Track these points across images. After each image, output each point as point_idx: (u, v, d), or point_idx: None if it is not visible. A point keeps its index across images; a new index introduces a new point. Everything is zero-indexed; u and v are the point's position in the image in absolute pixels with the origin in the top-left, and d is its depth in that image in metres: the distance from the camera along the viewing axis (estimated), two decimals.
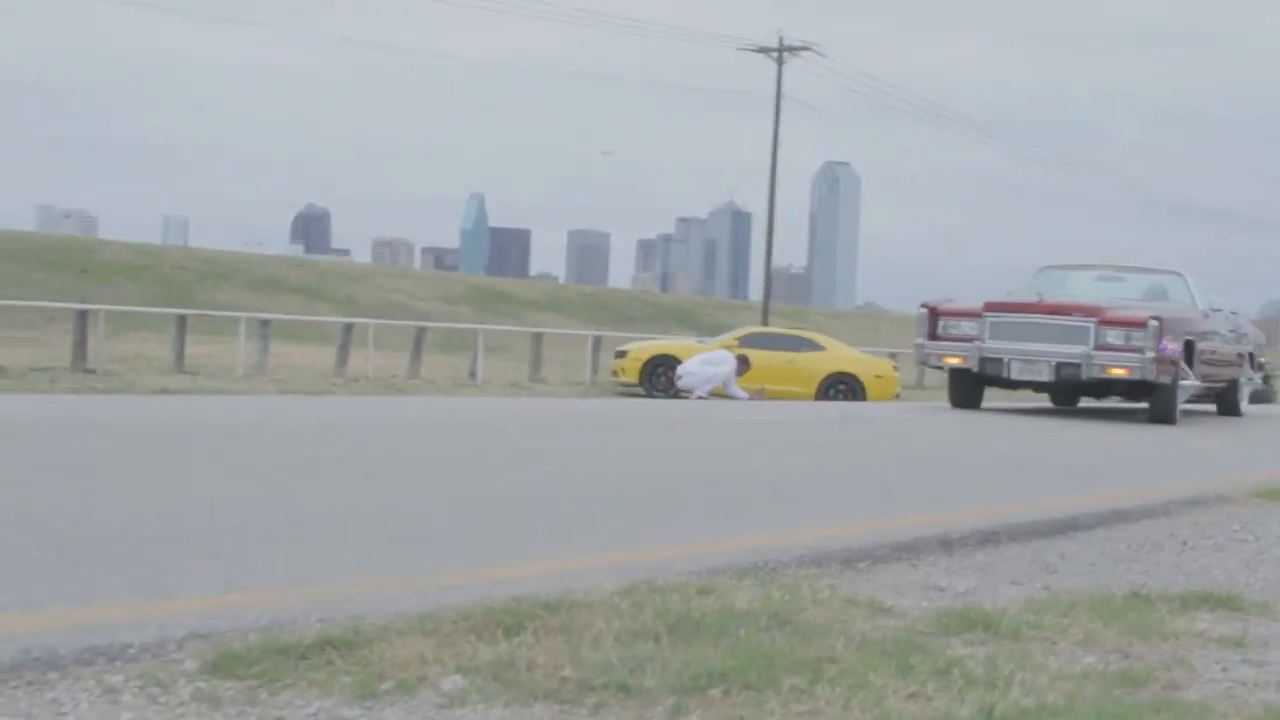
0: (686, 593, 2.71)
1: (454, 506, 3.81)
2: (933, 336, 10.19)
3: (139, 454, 5.03)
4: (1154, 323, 9.25)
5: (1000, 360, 9.73)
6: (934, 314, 10.11)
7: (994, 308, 9.86)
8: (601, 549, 3.22)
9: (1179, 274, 10.85)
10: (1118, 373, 9.41)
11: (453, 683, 2.12)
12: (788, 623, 2.60)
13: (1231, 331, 11.06)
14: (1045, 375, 9.62)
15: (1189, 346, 9.55)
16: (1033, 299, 9.86)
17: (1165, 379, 9.24)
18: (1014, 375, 9.66)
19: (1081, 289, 10.77)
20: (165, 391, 10.78)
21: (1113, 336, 9.52)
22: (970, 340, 9.83)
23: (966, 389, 10.26)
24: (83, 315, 16.48)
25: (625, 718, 2.03)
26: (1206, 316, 10.23)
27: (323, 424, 6.75)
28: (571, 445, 6.14)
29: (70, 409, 7.35)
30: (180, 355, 17.15)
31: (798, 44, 35.52)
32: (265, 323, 18.48)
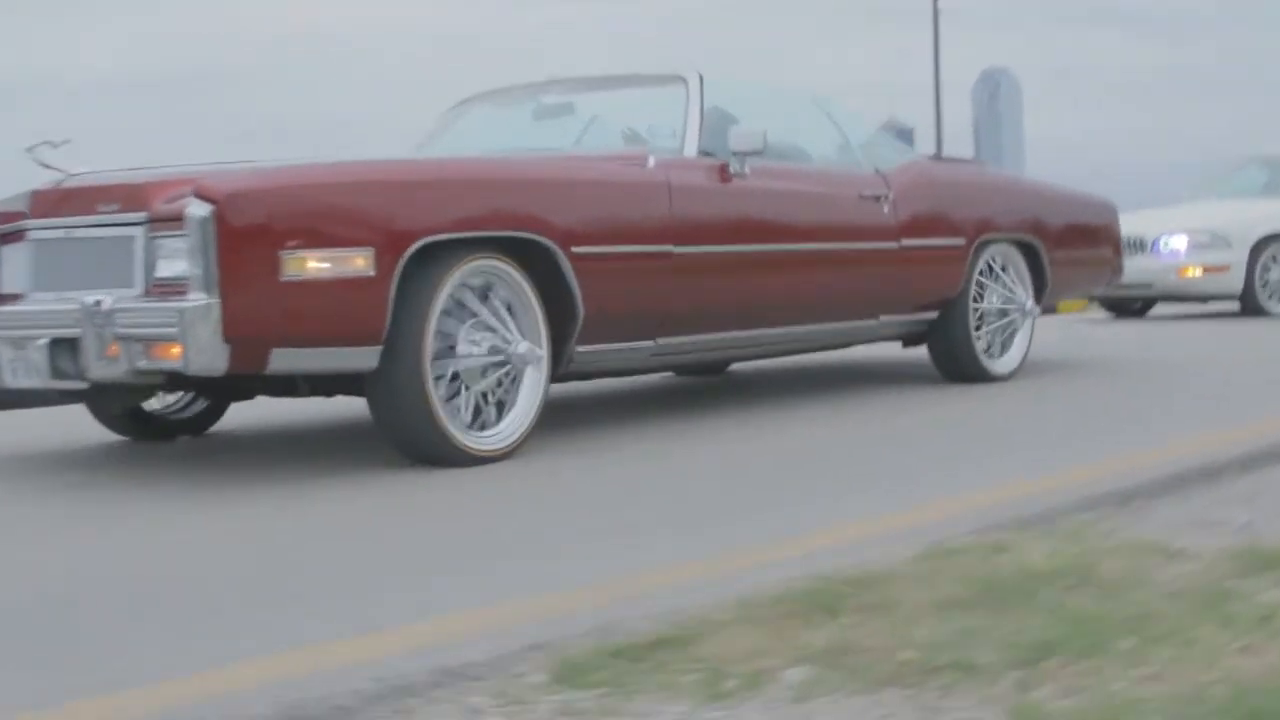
0: (980, 553, 3.05)
1: None
2: None
3: None
4: (200, 211, 4.04)
5: None
6: None
7: (43, 207, 4.64)
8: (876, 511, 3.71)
9: (683, 80, 5.79)
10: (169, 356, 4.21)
11: (796, 674, 2.31)
12: (1088, 579, 2.83)
13: (875, 197, 6.16)
14: (37, 374, 4.37)
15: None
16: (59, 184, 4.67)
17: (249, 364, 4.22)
18: (5, 378, 4.58)
19: (474, 137, 6.27)
20: None
21: (171, 264, 4.26)
22: None
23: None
24: None
25: (973, 698, 2.22)
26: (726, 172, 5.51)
27: None
28: None
29: None
30: None
31: None
32: None
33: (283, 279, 4.19)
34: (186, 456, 5.16)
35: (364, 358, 4.38)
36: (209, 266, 4.08)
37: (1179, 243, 11.90)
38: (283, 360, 4.30)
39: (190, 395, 5.49)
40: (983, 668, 2.31)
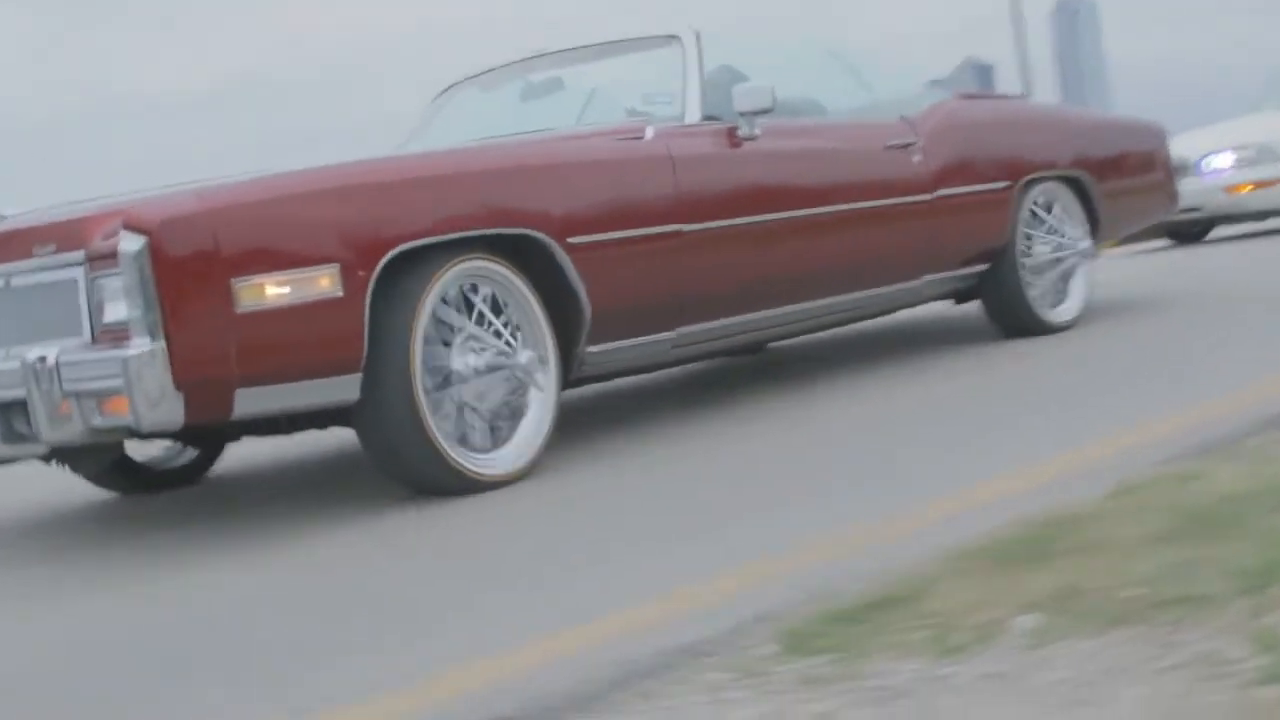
0: (1172, 484, 3.08)
1: None
2: None
3: None
4: (133, 244, 3.59)
5: None
6: None
7: None
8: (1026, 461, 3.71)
9: (678, 39, 5.33)
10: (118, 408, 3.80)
11: (1025, 622, 2.34)
12: None
13: (903, 146, 5.69)
14: None
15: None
16: None
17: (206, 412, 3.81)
18: None
19: (462, 126, 5.85)
20: None
21: (117, 306, 3.80)
22: None
23: None
24: None
25: (1207, 629, 2.19)
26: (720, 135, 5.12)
27: None
28: None
29: None
30: None
31: None
32: None
33: (238, 311, 3.83)
34: (185, 507, 4.76)
35: (343, 389, 4.06)
36: (150, 306, 3.74)
37: (1224, 160, 11.68)
38: (249, 403, 3.94)
39: (179, 443, 5.15)
40: (1211, 598, 2.34)
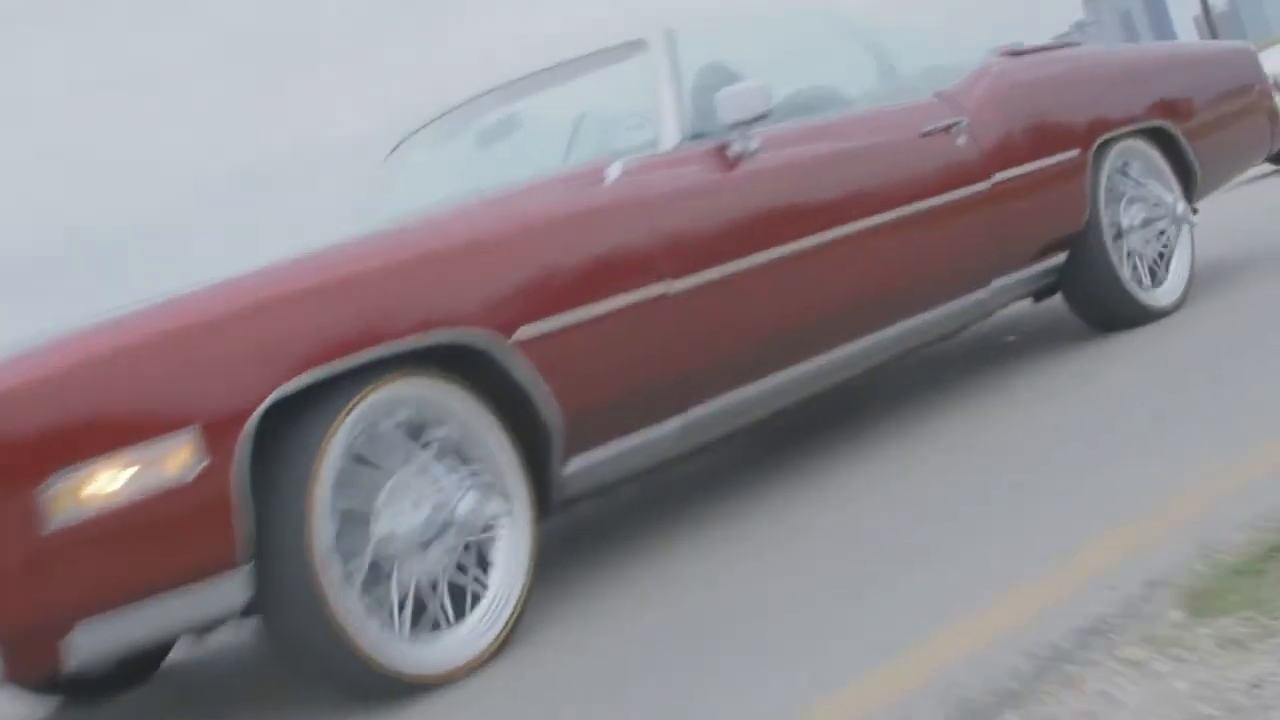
0: None
1: None
2: None
3: None
4: None
5: None
6: None
7: None
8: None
9: (644, 45, 4.37)
10: None
11: None
12: None
13: (945, 129, 4.70)
14: None
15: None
16: None
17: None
18: None
19: (421, 193, 4.78)
20: None
21: None
22: None
23: None
24: None
25: None
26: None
27: None
28: None
29: None
30: None
31: None
32: None
33: (51, 528, 2.71)
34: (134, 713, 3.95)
35: (222, 596, 2.93)
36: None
37: None
38: (91, 643, 2.83)
39: None
40: None
